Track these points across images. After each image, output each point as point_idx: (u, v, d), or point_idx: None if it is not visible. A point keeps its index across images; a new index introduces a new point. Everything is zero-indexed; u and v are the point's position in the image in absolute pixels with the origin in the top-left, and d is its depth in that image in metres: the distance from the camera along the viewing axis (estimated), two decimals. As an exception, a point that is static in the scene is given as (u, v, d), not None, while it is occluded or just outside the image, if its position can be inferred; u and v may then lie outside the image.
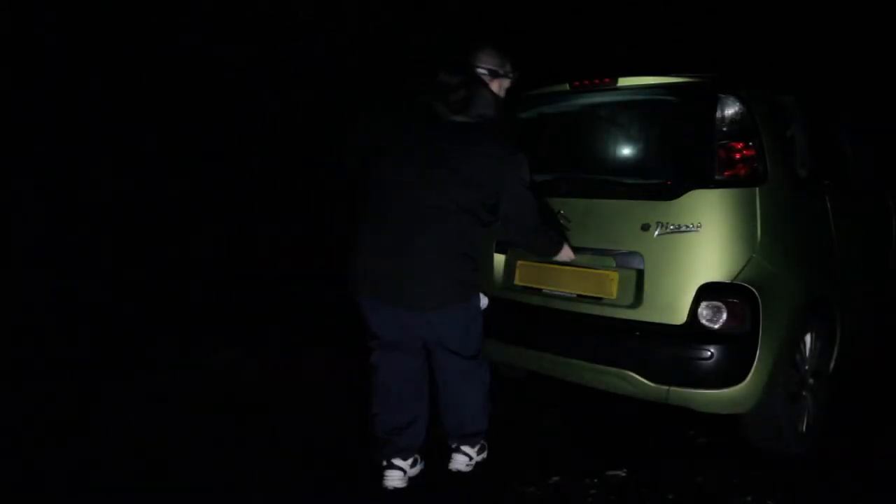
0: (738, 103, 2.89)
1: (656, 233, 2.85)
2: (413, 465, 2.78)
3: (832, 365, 3.37)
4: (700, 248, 2.79)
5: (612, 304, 2.96)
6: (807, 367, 3.11)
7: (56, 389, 3.76)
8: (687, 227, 2.80)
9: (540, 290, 3.20)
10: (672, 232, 2.82)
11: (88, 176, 6.15)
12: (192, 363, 4.29)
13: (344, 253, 2.68)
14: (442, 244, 2.50)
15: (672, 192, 2.85)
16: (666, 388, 2.76)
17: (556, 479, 2.85)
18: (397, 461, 2.72)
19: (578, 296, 3.07)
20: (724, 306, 2.72)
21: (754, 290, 2.72)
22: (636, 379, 2.81)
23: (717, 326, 2.73)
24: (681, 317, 2.79)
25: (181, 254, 6.44)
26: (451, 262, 2.52)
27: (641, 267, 2.88)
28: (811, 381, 3.14)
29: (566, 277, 3.10)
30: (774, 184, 2.89)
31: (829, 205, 3.34)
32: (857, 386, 3.85)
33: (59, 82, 6.03)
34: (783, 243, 2.95)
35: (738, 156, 2.86)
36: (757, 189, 2.82)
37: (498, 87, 2.72)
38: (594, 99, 3.34)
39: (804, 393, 3.09)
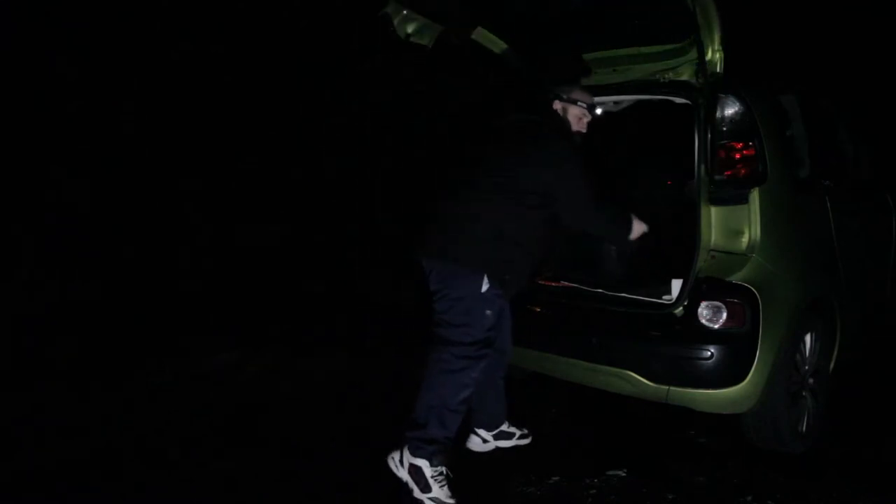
0: (738, 103, 2.89)
1: None
2: (500, 438, 3.07)
3: (832, 365, 3.37)
4: None
5: None
6: (807, 367, 3.11)
7: (56, 389, 3.76)
8: None
9: None
10: None
11: (89, 176, 6.16)
12: (192, 364, 4.29)
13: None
14: (485, 216, 2.59)
15: None
16: (666, 388, 2.76)
17: (556, 479, 2.85)
18: (480, 431, 3.03)
19: None
20: (724, 306, 2.72)
21: (754, 289, 2.72)
22: (636, 379, 2.81)
23: (717, 326, 2.73)
24: None
25: (183, 254, 6.44)
26: (488, 235, 2.58)
27: None
28: (811, 381, 3.14)
29: None
30: (774, 184, 2.89)
31: (829, 205, 3.34)
32: (857, 386, 3.85)
33: (58, 81, 6.04)
34: (783, 243, 2.95)
35: (738, 156, 2.86)
36: (757, 189, 2.82)
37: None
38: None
39: (804, 393, 3.10)
